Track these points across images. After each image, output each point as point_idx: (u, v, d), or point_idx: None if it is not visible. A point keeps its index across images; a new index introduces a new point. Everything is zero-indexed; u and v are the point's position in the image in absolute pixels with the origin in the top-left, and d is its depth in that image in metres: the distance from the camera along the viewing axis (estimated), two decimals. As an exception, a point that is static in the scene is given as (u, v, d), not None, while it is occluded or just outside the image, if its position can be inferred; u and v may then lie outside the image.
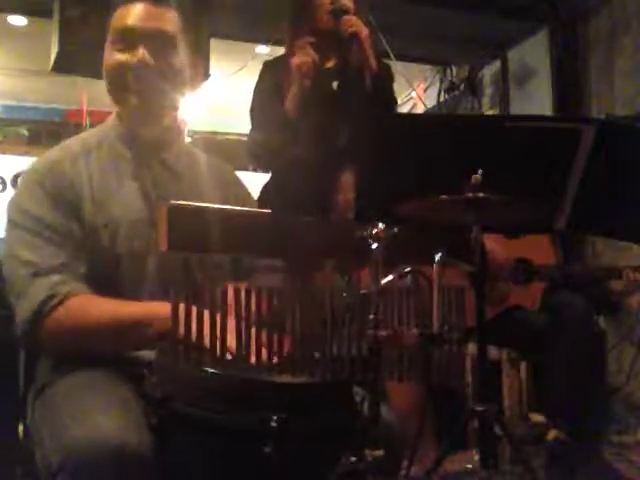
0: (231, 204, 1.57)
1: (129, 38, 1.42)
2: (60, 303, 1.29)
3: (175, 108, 1.52)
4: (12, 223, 1.39)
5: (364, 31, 2.19)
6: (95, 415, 1.13)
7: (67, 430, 1.13)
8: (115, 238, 1.39)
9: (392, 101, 2.39)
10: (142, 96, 1.43)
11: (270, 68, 2.33)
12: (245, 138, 2.36)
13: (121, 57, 1.43)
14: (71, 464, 1.08)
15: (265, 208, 1.74)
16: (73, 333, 1.30)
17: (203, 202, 1.44)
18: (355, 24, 2.18)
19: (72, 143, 1.50)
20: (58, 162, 1.43)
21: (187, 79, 1.49)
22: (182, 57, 1.47)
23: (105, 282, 1.38)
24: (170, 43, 1.45)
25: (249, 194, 1.72)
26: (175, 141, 1.56)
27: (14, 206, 1.40)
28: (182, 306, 1.06)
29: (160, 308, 1.25)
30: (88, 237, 1.38)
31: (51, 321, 1.29)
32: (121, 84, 1.44)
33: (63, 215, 1.37)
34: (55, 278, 1.31)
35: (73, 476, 1.07)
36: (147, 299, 1.37)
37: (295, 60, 2.17)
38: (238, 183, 1.68)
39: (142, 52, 1.41)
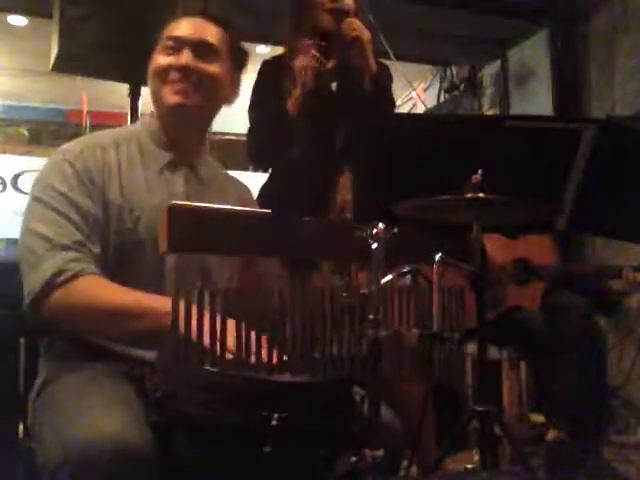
0: None
1: (175, 44, 1.50)
2: (69, 280, 1.30)
3: (210, 117, 1.58)
4: (33, 197, 1.40)
5: (366, 35, 2.19)
6: (96, 413, 1.14)
7: (68, 428, 1.13)
8: (138, 223, 1.41)
9: (391, 103, 2.39)
10: (182, 95, 1.48)
11: (269, 67, 2.33)
12: (244, 138, 2.36)
13: (166, 59, 1.50)
14: (71, 462, 1.08)
15: (264, 208, 1.74)
16: (75, 312, 1.31)
17: None
18: (358, 28, 2.18)
19: (103, 135, 1.54)
20: (90, 147, 1.46)
21: (226, 92, 1.56)
22: (224, 69, 1.54)
23: (128, 264, 1.40)
24: (212, 52, 1.52)
25: None
26: (203, 151, 1.60)
27: (38, 182, 1.42)
28: (182, 305, 1.06)
29: (166, 302, 1.25)
30: (113, 220, 1.40)
31: (57, 296, 1.30)
32: (163, 82, 1.49)
33: (88, 196, 1.39)
34: (69, 255, 1.32)
35: (73, 474, 1.08)
36: (168, 285, 1.39)
37: (298, 62, 2.17)
38: (254, 204, 1.74)
39: (186, 54, 1.48)
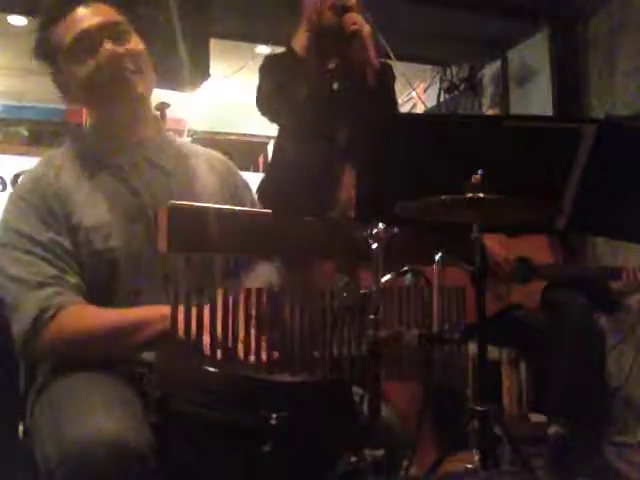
0: (230, 195, 1.57)
1: (88, 40, 1.43)
2: (56, 314, 1.30)
3: (148, 96, 1.52)
4: (1, 243, 1.39)
5: (367, 29, 2.19)
6: (94, 414, 1.14)
7: (66, 428, 1.13)
8: (109, 240, 1.38)
9: (393, 102, 2.39)
10: (124, 83, 1.44)
11: (271, 62, 2.32)
12: (245, 138, 2.36)
13: (91, 61, 1.43)
14: (69, 462, 1.08)
15: (263, 205, 1.74)
16: (71, 342, 1.31)
17: (194, 198, 1.46)
18: (358, 21, 2.18)
19: (54, 155, 1.51)
20: (42, 176, 1.44)
21: (150, 67, 1.50)
22: (140, 43, 1.49)
23: (103, 284, 1.38)
24: (125, 30, 1.47)
25: (247, 184, 1.70)
26: (156, 137, 1.55)
27: (2, 225, 1.41)
28: (182, 305, 1.06)
29: (156, 310, 1.27)
30: (83, 243, 1.38)
31: (48, 333, 1.30)
32: (104, 81, 1.43)
33: (51, 229, 1.38)
34: (47, 291, 1.32)
35: (71, 474, 1.07)
36: (146, 296, 1.37)
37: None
38: (235, 173, 1.66)
39: (109, 45, 1.42)
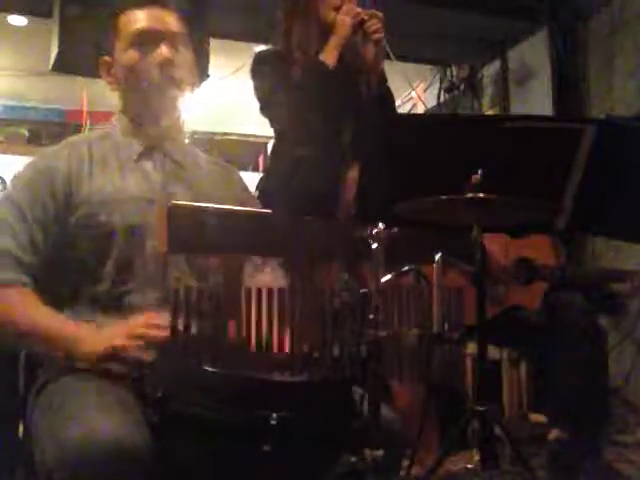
0: (237, 199, 1.59)
1: (146, 39, 1.52)
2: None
3: (181, 104, 1.58)
4: None
5: (363, 16, 2.21)
6: (92, 414, 1.14)
7: (64, 429, 1.13)
8: (112, 215, 1.42)
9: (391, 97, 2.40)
10: (163, 90, 1.51)
11: (265, 58, 2.31)
12: (245, 138, 2.36)
13: (142, 56, 1.52)
14: (68, 463, 1.08)
15: (263, 203, 1.75)
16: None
17: (204, 192, 1.51)
18: (356, 12, 2.19)
19: (73, 137, 1.59)
20: (56, 151, 1.51)
21: (195, 77, 1.60)
22: (191, 55, 1.59)
23: (102, 257, 1.41)
24: (182, 41, 1.56)
25: (252, 196, 1.74)
26: (177, 137, 1.61)
27: (9, 186, 1.49)
28: (182, 305, 1.06)
29: (68, 330, 1.33)
30: (83, 214, 1.42)
31: None
32: (144, 80, 1.51)
33: (42, 208, 1.41)
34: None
35: (69, 475, 1.07)
36: (141, 274, 1.41)
37: (339, 14, 2.18)
38: (241, 182, 1.71)
39: (164, 49, 1.51)
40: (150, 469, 1.09)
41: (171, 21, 1.56)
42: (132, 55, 1.52)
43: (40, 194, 1.42)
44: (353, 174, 2.09)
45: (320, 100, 2.16)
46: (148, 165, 1.52)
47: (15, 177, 1.49)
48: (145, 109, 1.54)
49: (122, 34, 1.54)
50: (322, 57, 2.17)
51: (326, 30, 2.21)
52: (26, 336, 1.34)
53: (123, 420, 1.13)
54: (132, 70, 1.52)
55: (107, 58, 1.59)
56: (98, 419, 1.12)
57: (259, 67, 2.28)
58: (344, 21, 2.18)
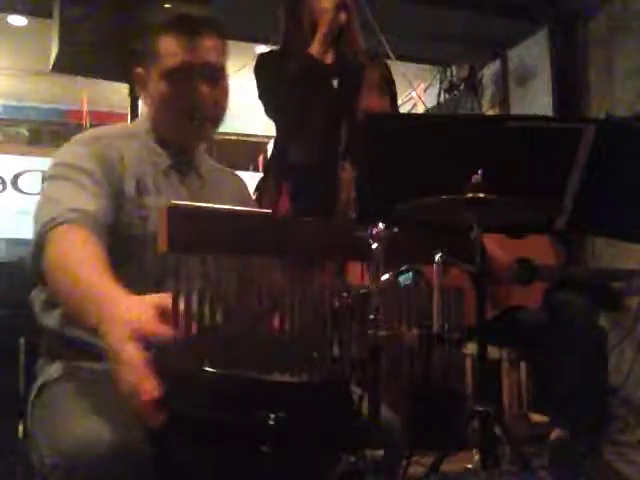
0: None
1: (185, 74, 1.44)
2: (60, 224, 1.24)
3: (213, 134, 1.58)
4: (49, 177, 1.36)
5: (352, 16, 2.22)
6: (90, 416, 1.13)
7: (61, 432, 1.13)
8: (147, 221, 1.38)
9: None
10: (196, 130, 1.48)
11: (267, 58, 2.32)
12: (244, 138, 2.36)
13: (177, 91, 1.45)
14: (64, 465, 1.07)
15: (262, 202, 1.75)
16: (54, 264, 1.21)
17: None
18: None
19: (113, 127, 1.53)
20: (103, 136, 1.44)
21: (227, 99, 1.55)
22: (228, 81, 1.54)
23: (131, 258, 1.37)
24: (222, 70, 1.50)
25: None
26: (200, 147, 1.60)
27: (52, 165, 1.39)
28: (182, 304, 1.06)
29: (120, 308, 1.08)
30: (125, 210, 1.37)
31: (48, 244, 1.22)
32: (177, 116, 1.46)
33: (105, 175, 1.36)
34: (70, 207, 1.27)
35: (66, 477, 1.07)
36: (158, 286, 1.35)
37: (322, 4, 2.19)
38: (249, 193, 1.73)
39: (203, 88, 1.45)
40: (146, 472, 1.09)
41: (214, 53, 1.47)
42: (167, 88, 1.45)
43: (101, 169, 1.36)
44: (350, 174, 2.09)
45: (315, 95, 2.16)
46: (176, 178, 1.49)
47: (63, 153, 1.39)
48: (175, 137, 1.50)
49: (160, 60, 1.45)
50: (311, 49, 2.18)
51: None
52: (70, 285, 1.16)
53: (119, 423, 1.12)
54: (166, 103, 1.46)
55: (141, 70, 1.51)
56: (95, 421, 1.11)
57: (261, 67, 2.29)
58: (325, 7, 2.18)
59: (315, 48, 2.18)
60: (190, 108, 1.45)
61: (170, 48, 1.44)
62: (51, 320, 1.38)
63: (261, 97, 2.29)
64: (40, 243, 1.23)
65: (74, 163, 1.36)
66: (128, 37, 2.45)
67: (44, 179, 1.38)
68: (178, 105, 1.46)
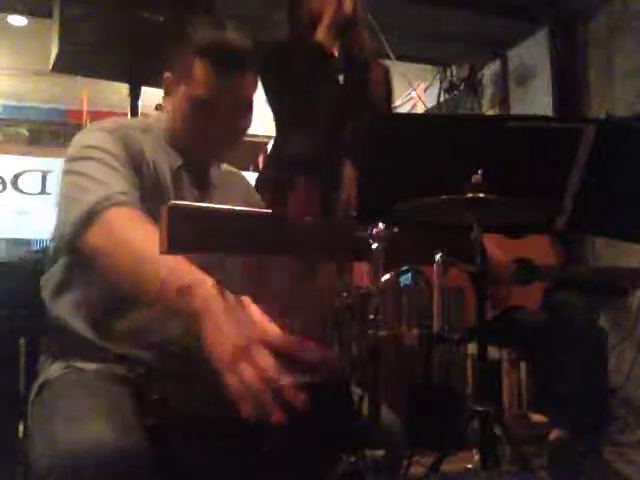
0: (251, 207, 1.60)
1: (217, 106, 1.39)
2: (115, 205, 1.21)
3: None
4: (69, 163, 1.32)
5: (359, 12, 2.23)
6: (88, 418, 1.12)
7: (57, 434, 1.12)
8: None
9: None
10: (221, 153, 1.49)
11: (272, 52, 2.32)
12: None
13: (207, 120, 1.40)
14: (59, 468, 1.06)
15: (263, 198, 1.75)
16: (112, 241, 1.19)
17: None
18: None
19: (119, 119, 1.49)
20: (122, 125, 1.41)
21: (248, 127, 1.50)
22: (252, 113, 1.48)
23: None
24: (250, 105, 1.45)
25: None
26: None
27: (76, 148, 1.35)
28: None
29: (210, 296, 1.05)
30: (140, 200, 1.32)
31: (101, 222, 1.20)
32: (204, 139, 1.43)
33: (127, 160, 1.34)
34: (116, 189, 1.25)
35: None
36: None
37: None
38: (250, 184, 1.70)
39: (233, 123, 1.41)
40: (146, 474, 1.09)
41: (248, 89, 1.42)
42: (192, 113, 1.40)
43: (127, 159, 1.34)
44: (351, 172, 2.09)
45: (320, 87, 2.16)
46: (187, 179, 1.46)
47: (94, 138, 1.35)
48: (190, 151, 1.46)
49: (191, 82, 1.38)
50: (315, 37, 2.18)
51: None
52: (140, 259, 1.12)
53: (119, 424, 1.11)
54: (187, 124, 1.42)
55: (169, 76, 1.45)
56: (93, 423, 1.11)
57: (267, 60, 2.28)
58: None
59: (320, 35, 2.17)
60: (211, 137, 1.42)
61: (204, 76, 1.37)
62: (60, 307, 1.37)
63: (266, 90, 2.28)
64: (87, 221, 1.20)
65: (101, 146, 1.32)
66: (129, 37, 2.45)
67: (69, 160, 1.33)
68: (199, 131, 1.42)
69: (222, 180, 1.57)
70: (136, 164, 1.36)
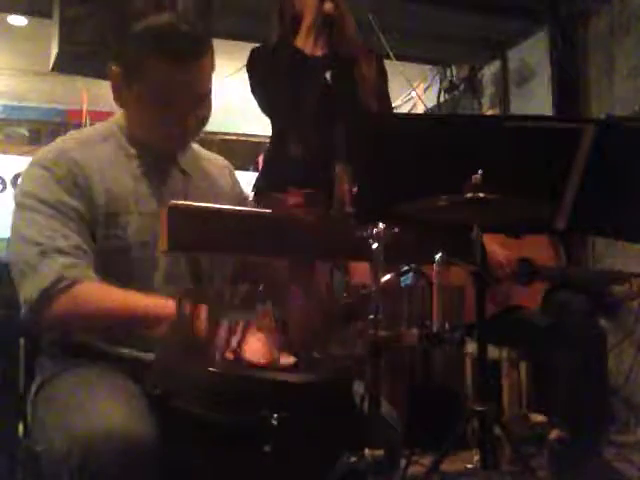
0: (236, 195, 1.59)
1: (172, 101, 1.36)
2: (69, 287, 1.27)
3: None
4: (19, 206, 1.35)
5: (341, 9, 2.22)
6: (101, 404, 1.14)
7: (73, 419, 1.13)
8: (126, 228, 1.36)
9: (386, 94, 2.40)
10: (178, 148, 1.47)
11: (258, 54, 2.32)
12: (244, 138, 2.36)
13: (162, 116, 1.38)
14: (77, 452, 1.07)
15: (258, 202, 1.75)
16: (83, 318, 1.30)
17: (210, 200, 1.45)
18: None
19: (75, 135, 1.47)
20: (66, 150, 1.39)
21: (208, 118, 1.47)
22: (211, 102, 1.45)
23: (115, 270, 1.35)
24: (208, 95, 1.41)
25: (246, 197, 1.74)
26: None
27: (19, 191, 1.37)
28: (187, 306, 1.06)
29: (167, 308, 1.23)
30: (100, 225, 1.35)
31: (59, 304, 1.27)
32: (159, 135, 1.42)
33: (75, 199, 1.34)
34: (64, 260, 1.29)
35: (79, 464, 1.07)
36: (156, 290, 1.35)
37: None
38: (234, 173, 1.67)
39: (191, 121, 1.39)
40: (156, 461, 1.09)
41: (203, 77, 1.37)
42: (148, 108, 1.37)
43: (71, 192, 1.34)
44: (342, 168, 2.08)
45: (305, 88, 2.16)
46: (156, 179, 1.44)
47: (32, 183, 1.36)
48: (153, 145, 1.44)
49: (142, 78, 1.34)
50: (296, 41, 2.18)
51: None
52: (122, 320, 1.29)
53: (131, 410, 1.13)
54: (144, 121, 1.40)
55: (117, 69, 1.38)
56: (106, 408, 1.12)
57: (253, 62, 2.29)
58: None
59: (301, 40, 2.18)
60: (171, 131, 1.40)
61: (155, 71, 1.33)
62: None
63: (254, 92, 2.29)
64: (47, 300, 1.27)
65: (44, 197, 1.33)
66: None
67: (15, 200, 1.37)
68: (159, 127, 1.40)
69: (199, 170, 1.54)
70: (83, 191, 1.35)
